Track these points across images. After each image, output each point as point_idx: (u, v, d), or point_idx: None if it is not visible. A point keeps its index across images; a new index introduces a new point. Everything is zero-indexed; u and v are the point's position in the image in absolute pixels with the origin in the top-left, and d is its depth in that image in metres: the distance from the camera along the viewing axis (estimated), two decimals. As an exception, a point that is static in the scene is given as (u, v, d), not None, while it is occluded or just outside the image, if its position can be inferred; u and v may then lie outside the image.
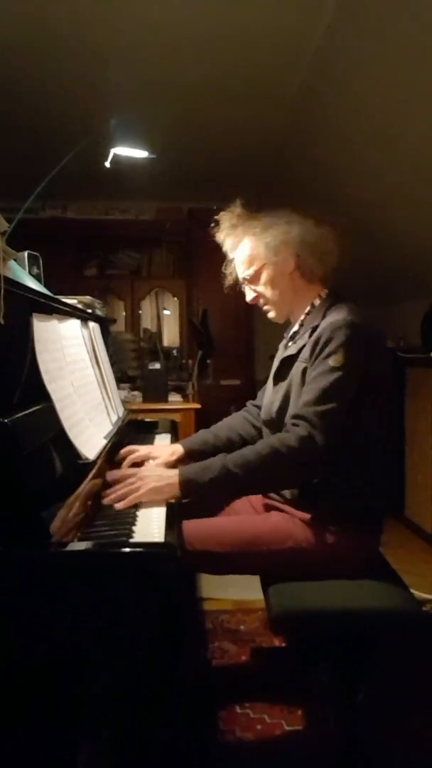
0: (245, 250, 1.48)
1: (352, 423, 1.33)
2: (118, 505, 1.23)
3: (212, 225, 1.51)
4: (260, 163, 3.75)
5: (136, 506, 1.25)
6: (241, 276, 1.52)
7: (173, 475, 1.31)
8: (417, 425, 3.20)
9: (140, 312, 4.75)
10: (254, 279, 1.49)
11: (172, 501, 1.29)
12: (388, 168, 2.68)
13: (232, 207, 1.51)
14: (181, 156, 3.54)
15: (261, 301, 1.52)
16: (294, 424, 1.31)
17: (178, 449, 1.61)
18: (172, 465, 1.54)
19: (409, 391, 3.30)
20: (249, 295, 1.53)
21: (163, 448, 1.65)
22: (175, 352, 4.44)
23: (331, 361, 1.30)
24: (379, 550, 1.48)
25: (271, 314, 1.54)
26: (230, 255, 1.53)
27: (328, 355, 1.30)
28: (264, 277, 1.48)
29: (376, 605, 1.29)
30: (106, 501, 1.25)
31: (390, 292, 3.72)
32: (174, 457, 1.57)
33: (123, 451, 1.58)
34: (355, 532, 1.37)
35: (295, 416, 1.31)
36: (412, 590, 1.39)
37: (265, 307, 1.54)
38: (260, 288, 1.50)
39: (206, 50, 2.42)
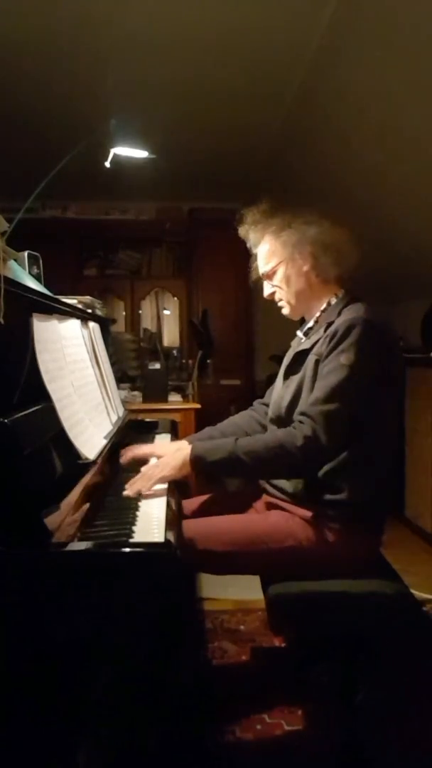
0: (265, 246, 1.51)
1: (363, 421, 1.34)
2: (143, 491, 1.31)
3: (237, 218, 1.54)
4: (260, 163, 3.75)
5: (137, 506, 1.26)
6: (260, 271, 1.55)
7: (186, 447, 1.40)
8: (417, 425, 3.20)
9: (140, 312, 4.74)
10: (271, 275, 1.52)
11: (173, 499, 1.29)
12: (388, 168, 2.68)
13: (258, 204, 1.53)
14: (181, 156, 3.54)
15: (277, 296, 1.54)
16: (300, 422, 1.32)
17: (184, 445, 1.61)
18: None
19: (409, 391, 3.30)
20: (267, 290, 1.56)
21: (168, 446, 1.65)
22: (175, 352, 4.44)
23: (343, 359, 1.30)
24: (380, 550, 1.48)
25: (285, 310, 1.56)
26: (254, 250, 1.56)
27: (341, 352, 1.31)
28: (280, 274, 1.50)
29: (376, 605, 1.29)
30: (132, 493, 1.32)
31: (390, 292, 3.72)
32: (180, 453, 1.57)
33: (122, 451, 1.58)
34: (355, 531, 1.37)
35: (303, 413, 1.33)
36: (412, 590, 1.39)
37: (280, 303, 1.55)
38: (276, 284, 1.52)
39: (206, 50, 2.42)
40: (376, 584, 1.34)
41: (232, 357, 4.52)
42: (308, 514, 1.37)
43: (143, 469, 1.40)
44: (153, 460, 1.54)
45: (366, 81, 2.30)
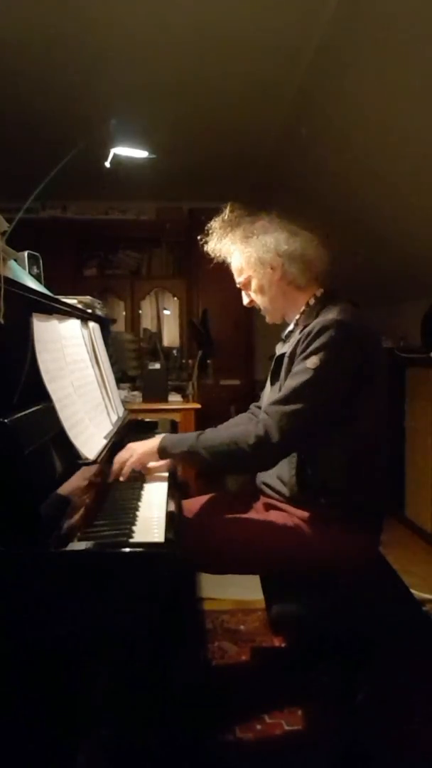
0: (234, 259, 1.53)
1: (342, 422, 1.34)
2: (121, 478, 1.44)
3: (200, 237, 1.55)
4: (260, 163, 3.75)
5: (137, 506, 1.26)
6: (236, 281, 1.57)
7: (155, 441, 1.49)
8: (417, 425, 3.20)
9: (140, 312, 4.75)
10: (245, 286, 1.55)
11: (173, 499, 1.30)
12: (387, 168, 2.68)
13: (221, 214, 1.53)
14: (181, 156, 3.55)
15: (255, 305, 1.56)
16: (259, 421, 1.35)
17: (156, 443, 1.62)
18: (170, 465, 1.55)
19: (409, 391, 3.30)
20: (245, 299, 1.58)
21: (143, 443, 1.65)
22: (175, 352, 4.43)
23: (309, 363, 1.31)
24: (379, 550, 1.48)
25: (267, 317, 1.58)
26: (228, 260, 1.56)
27: (308, 355, 1.32)
28: (253, 285, 1.52)
29: (375, 605, 1.29)
30: (111, 478, 1.43)
31: (390, 292, 3.72)
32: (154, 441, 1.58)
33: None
34: (354, 531, 1.37)
35: (264, 411, 1.37)
36: (412, 590, 1.40)
37: (261, 311, 1.57)
38: (252, 294, 1.54)
39: (206, 50, 2.42)
40: (376, 584, 1.34)
41: (232, 357, 4.52)
42: (306, 514, 1.38)
43: (116, 458, 1.47)
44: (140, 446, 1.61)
45: (366, 81, 2.30)
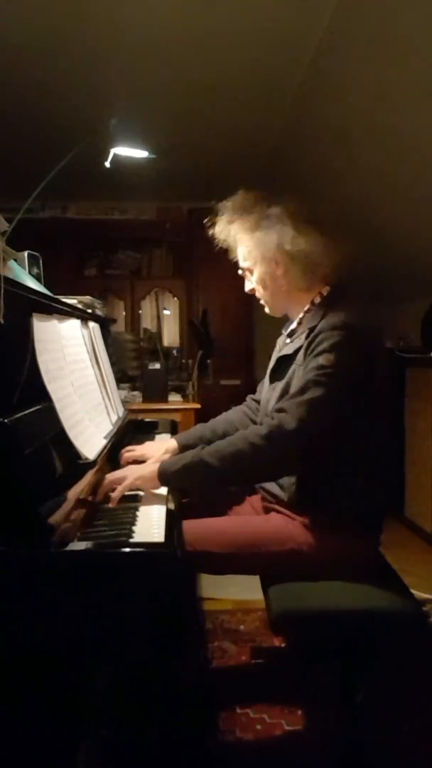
0: (241, 245, 1.48)
1: (347, 425, 1.31)
2: (113, 498, 1.27)
3: (207, 220, 1.50)
4: (260, 163, 3.75)
5: (136, 506, 1.26)
6: (240, 266, 1.53)
7: (155, 465, 1.36)
8: (417, 425, 3.20)
9: (140, 312, 4.75)
10: (249, 273, 1.51)
11: (173, 499, 1.29)
12: (387, 168, 2.68)
13: (233, 198, 1.48)
14: (181, 156, 3.54)
15: (257, 294, 1.53)
16: (271, 417, 1.30)
17: (172, 445, 1.60)
18: None
19: (409, 391, 3.30)
20: (247, 286, 1.54)
21: (157, 444, 1.64)
22: (175, 352, 4.43)
23: (322, 359, 1.28)
24: (379, 550, 1.48)
25: (266, 309, 1.55)
26: (233, 245, 1.52)
27: (319, 354, 1.30)
28: (256, 276, 1.48)
29: (375, 605, 1.29)
30: (98, 498, 1.29)
31: (390, 292, 3.72)
32: (167, 455, 1.56)
33: (122, 452, 1.59)
34: (354, 533, 1.36)
35: (276, 410, 1.31)
36: (412, 590, 1.39)
37: (261, 301, 1.54)
38: (253, 283, 1.51)
39: (206, 50, 2.42)
40: (376, 584, 1.34)
41: (232, 357, 4.51)
42: (305, 518, 1.37)
43: (108, 476, 1.35)
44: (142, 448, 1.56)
45: (366, 81, 2.30)
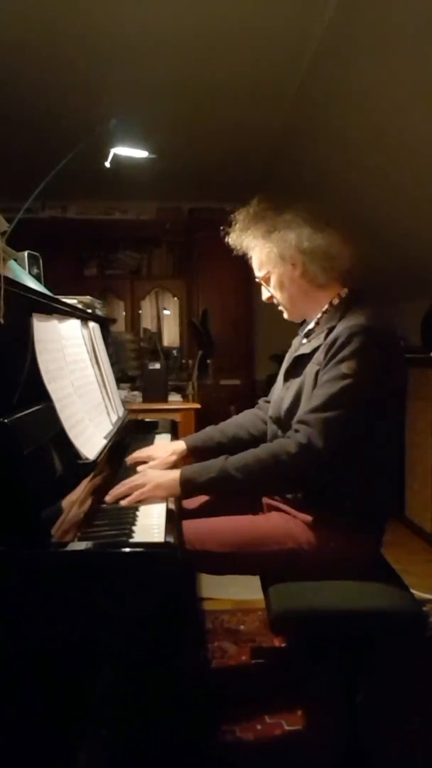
0: (255, 253, 1.49)
1: (364, 430, 1.31)
2: (124, 502, 1.27)
3: (222, 228, 1.50)
4: (260, 163, 3.75)
5: (136, 506, 1.26)
6: (256, 276, 1.53)
7: (175, 473, 1.35)
8: (417, 425, 3.20)
9: (140, 312, 4.75)
10: (265, 281, 1.51)
11: (173, 499, 1.29)
12: (387, 168, 2.68)
13: (248, 206, 1.49)
14: (181, 156, 3.54)
15: (275, 300, 1.52)
16: (296, 430, 1.29)
17: (179, 447, 1.61)
18: (173, 464, 1.54)
19: (409, 391, 3.30)
20: (264, 294, 1.54)
21: (164, 446, 1.65)
22: (175, 352, 4.43)
23: (344, 368, 1.27)
24: (380, 550, 1.48)
25: (285, 314, 1.55)
26: (248, 254, 1.53)
27: (342, 361, 1.28)
28: (273, 281, 1.48)
29: (376, 605, 1.29)
30: (109, 498, 1.29)
31: (390, 292, 3.72)
32: (174, 457, 1.57)
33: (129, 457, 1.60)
34: (356, 534, 1.36)
35: (299, 421, 1.30)
36: (412, 590, 1.39)
37: (279, 307, 1.54)
38: (271, 290, 1.50)
39: (206, 50, 2.42)
40: (376, 584, 1.34)
41: (232, 357, 4.52)
42: (308, 517, 1.37)
43: (127, 481, 1.34)
44: (150, 450, 1.56)
45: (366, 81, 2.30)
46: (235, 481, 1.29)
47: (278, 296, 1.50)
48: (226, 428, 1.68)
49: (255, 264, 1.51)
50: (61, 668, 0.89)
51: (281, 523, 1.40)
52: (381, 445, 1.37)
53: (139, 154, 2.65)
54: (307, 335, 1.51)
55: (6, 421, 0.90)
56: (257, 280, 1.53)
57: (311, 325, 1.51)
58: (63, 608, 0.88)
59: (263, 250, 1.45)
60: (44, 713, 0.91)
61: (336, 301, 1.45)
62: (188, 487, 1.32)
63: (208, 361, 3.99)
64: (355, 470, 1.35)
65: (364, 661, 1.34)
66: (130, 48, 2.39)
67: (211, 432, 1.67)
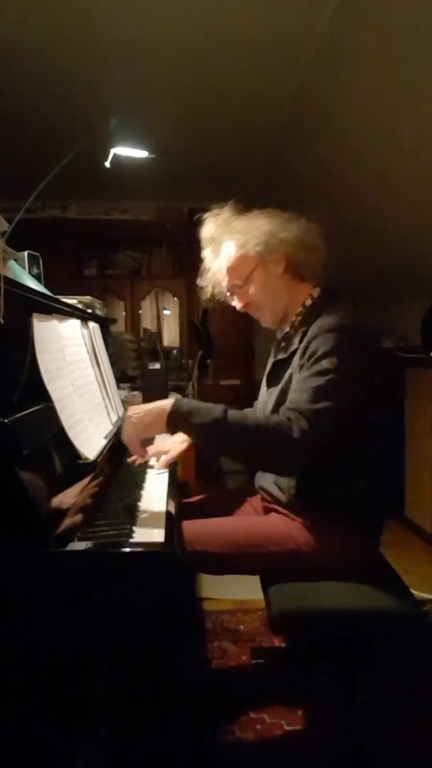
0: (232, 255, 1.44)
1: (350, 426, 1.30)
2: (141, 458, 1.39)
3: (197, 220, 1.51)
4: (260, 163, 3.75)
5: (137, 506, 1.26)
6: (230, 284, 1.47)
7: (166, 405, 1.27)
8: (417, 425, 3.20)
9: (140, 312, 4.75)
10: (245, 284, 1.45)
11: (173, 499, 1.29)
12: (387, 168, 2.68)
13: (218, 210, 1.48)
14: (181, 156, 3.54)
15: (253, 307, 1.48)
16: (289, 418, 1.23)
17: (186, 437, 1.57)
18: (184, 451, 1.55)
19: (409, 391, 3.30)
20: (239, 303, 1.49)
21: (171, 438, 1.60)
22: (175, 352, 4.44)
23: (327, 363, 1.26)
24: (379, 550, 1.48)
25: (264, 320, 1.50)
26: (212, 264, 1.50)
27: (322, 357, 1.27)
28: (255, 280, 1.44)
29: (376, 605, 1.29)
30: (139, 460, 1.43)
31: (390, 292, 3.72)
32: (185, 445, 1.56)
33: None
34: (354, 534, 1.36)
35: (292, 409, 1.25)
36: (412, 590, 1.39)
37: (257, 314, 1.49)
38: (252, 293, 1.45)
39: (206, 50, 2.42)
40: (376, 584, 1.34)
41: (232, 357, 4.52)
42: (307, 518, 1.37)
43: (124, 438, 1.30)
44: (158, 440, 1.54)
45: (366, 82, 2.30)
46: (225, 436, 1.23)
47: (260, 297, 1.45)
48: None
49: (230, 268, 1.45)
50: (61, 668, 0.90)
51: (280, 524, 1.40)
52: (370, 441, 1.37)
53: (139, 154, 2.65)
54: (284, 339, 1.49)
55: (6, 421, 0.90)
56: (231, 287, 1.47)
57: (287, 329, 1.48)
58: (63, 608, 0.88)
59: (246, 246, 1.41)
60: (44, 713, 0.91)
61: (308, 302, 1.44)
62: (175, 420, 1.25)
63: (208, 361, 3.99)
64: (348, 470, 1.35)
65: (364, 661, 1.34)
66: (130, 48, 2.39)
67: None
